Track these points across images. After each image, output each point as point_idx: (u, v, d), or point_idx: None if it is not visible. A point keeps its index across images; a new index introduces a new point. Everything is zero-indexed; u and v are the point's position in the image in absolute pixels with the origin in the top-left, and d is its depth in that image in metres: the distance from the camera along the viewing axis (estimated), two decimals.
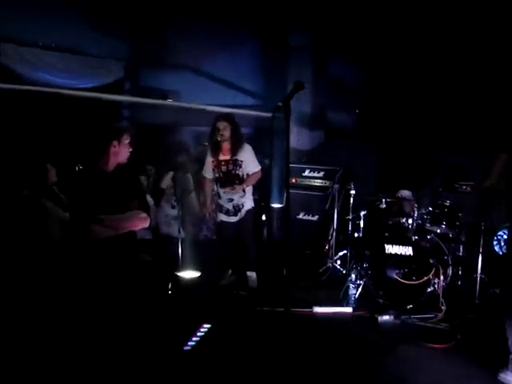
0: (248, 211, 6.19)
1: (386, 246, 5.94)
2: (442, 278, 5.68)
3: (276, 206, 7.54)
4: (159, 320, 4.92)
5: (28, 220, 5.49)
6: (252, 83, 9.49)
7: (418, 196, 6.39)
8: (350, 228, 6.73)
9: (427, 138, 8.18)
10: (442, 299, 5.59)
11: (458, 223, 6.18)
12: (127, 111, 9.43)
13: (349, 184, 6.85)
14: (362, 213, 6.55)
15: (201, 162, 6.65)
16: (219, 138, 5.97)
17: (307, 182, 7.63)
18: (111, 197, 4.58)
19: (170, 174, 7.55)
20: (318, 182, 7.57)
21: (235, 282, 6.33)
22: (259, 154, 6.37)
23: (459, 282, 6.12)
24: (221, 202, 6.20)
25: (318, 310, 5.64)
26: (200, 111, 8.30)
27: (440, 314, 5.48)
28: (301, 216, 7.54)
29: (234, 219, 6.18)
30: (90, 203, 4.37)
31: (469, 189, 6.60)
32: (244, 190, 6.11)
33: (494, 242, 6.65)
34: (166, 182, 7.57)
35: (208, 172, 6.25)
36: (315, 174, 7.58)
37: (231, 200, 6.13)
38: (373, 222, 6.56)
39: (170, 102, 8.99)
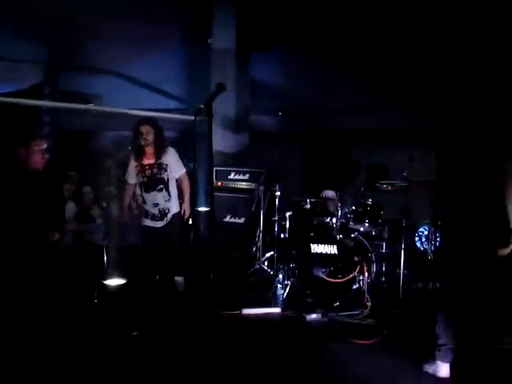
0: (174, 215, 6.13)
1: (311, 245, 6.03)
2: (366, 274, 5.81)
3: (202, 209, 7.50)
4: (87, 329, 4.82)
5: None
6: (175, 86, 9.43)
7: (342, 195, 6.53)
8: (276, 229, 6.79)
9: (349, 139, 8.39)
10: (367, 295, 5.72)
11: (380, 221, 6.35)
12: (48, 116, 9.17)
13: (274, 186, 6.92)
14: (288, 214, 6.65)
15: (124, 167, 6.55)
16: (142, 142, 5.90)
17: (233, 185, 7.64)
18: (29, 201, 4.45)
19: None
20: (243, 185, 7.59)
21: (163, 287, 6.25)
22: (184, 158, 6.33)
23: (383, 278, 6.29)
24: (146, 206, 6.11)
25: (246, 311, 5.65)
26: (122, 115, 8.16)
27: (366, 310, 5.61)
28: (227, 219, 7.54)
29: (160, 224, 6.10)
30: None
31: (390, 187, 6.78)
32: (170, 194, 6.05)
33: (416, 238, 6.87)
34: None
35: (131, 177, 6.15)
36: (240, 177, 7.60)
37: (157, 205, 6.05)
38: (298, 223, 6.65)
39: (91, 106, 8.80)
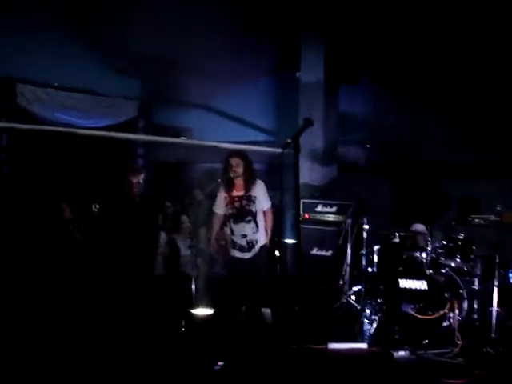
0: (262, 247, 6.18)
1: (400, 280, 5.89)
2: (457, 311, 5.62)
3: (289, 241, 7.52)
4: (173, 357, 4.92)
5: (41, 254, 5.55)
6: (264, 119, 9.59)
7: (432, 229, 6.38)
8: (363, 263, 6.69)
9: (439, 171, 8.20)
10: (457, 333, 5.52)
11: (472, 256, 6.14)
12: (142, 149, 9.54)
13: (362, 218, 6.84)
14: (376, 247, 6.53)
15: (213, 199, 6.70)
16: (232, 175, 6.01)
17: (320, 217, 7.63)
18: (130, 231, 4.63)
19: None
20: (331, 217, 7.57)
21: (249, 318, 6.29)
22: (272, 190, 6.39)
23: (475, 316, 6.04)
24: (234, 238, 6.19)
25: (332, 346, 5.58)
26: (212, 148, 8.37)
27: (456, 349, 5.40)
28: (314, 251, 7.53)
29: (247, 255, 6.16)
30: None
31: (482, 222, 6.55)
32: (257, 226, 6.11)
33: (510, 275, 6.58)
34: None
35: (219, 208, 6.27)
36: (328, 209, 7.59)
37: (245, 236, 6.12)
38: (387, 257, 6.53)
39: (183, 139, 9.09)
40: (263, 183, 6.20)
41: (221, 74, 8.82)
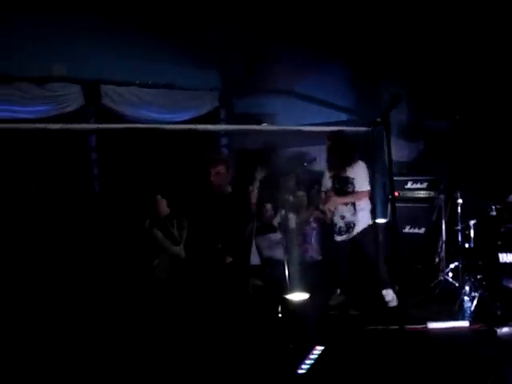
0: (362, 231, 6.09)
1: (500, 254, 5.71)
2: None
3: (381, 221, 7.40)
4: (272, 343, 4.96)
5: (139, 248, 5.70)
6: (344, 99, 9.44)
7: None
8: (459, 239, 6.48)
9: None
10: None
11: None
12: (225, 139, 9.64)
13: (455, 193, 6.63)
14: (472, 222, 6.31)
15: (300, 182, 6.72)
16: (327, 156, 6.10)
17: (411, 194, 7.48)
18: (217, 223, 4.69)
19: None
20: (422, 194, 7.41)
21: (344, 301, 6.25)
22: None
23: None
24: (335, 219, 6.17)
25: (432, 325, 5.47)
26: (296, 132, 8.34)
27: None
28: (407, 229, 7.39)
29: (344, 237, 6.12)
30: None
31: None
32: (355, 208, 6.03)
33: None
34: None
35: (324, 186, 6.36)
36: (418, 186, 7.43)
37: (343, 217, 6.09)
38: (484, 231, 6.31)
39: (264, 126, 9.09)
40: (364, 164, 6.08)
41: (300, 60, 8.76)
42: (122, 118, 8.38)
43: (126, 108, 8.56)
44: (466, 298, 6.00)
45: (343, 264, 6.18)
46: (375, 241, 6.18)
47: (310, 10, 7.84)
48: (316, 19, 8.07)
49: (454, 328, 5.46)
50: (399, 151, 7.94)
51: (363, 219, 6.07)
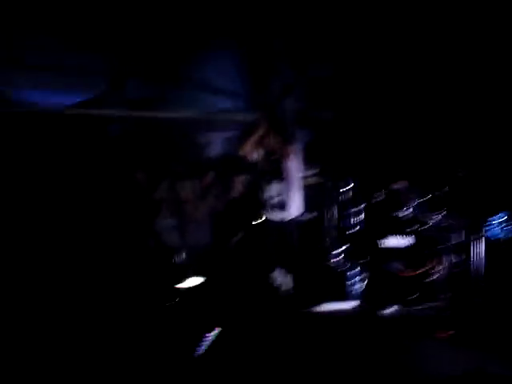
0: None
1: (385, 239, 5.96)
2: (442, 266, 5.71)
3: None
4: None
5: None
6: (238, 87, 9.45)
7: (415, 186, 6.42)
8: (349, 223, 6.71)
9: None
10: (443, 287, 5.61)
11: (456, 210, 6.21)
12: (116, 126, 9.37)
13: (345, 179, 6.85)
14: (361, 207, 6.56)
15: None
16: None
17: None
18: None
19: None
20: (312, 180, 7.54)
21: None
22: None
23: (460, 269, 6.13)
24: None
25: (321, 307, 5.63)
26: (190, 119, 8.27)
27: (442, 302, 5.50)
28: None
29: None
30: None
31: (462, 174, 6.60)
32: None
33: (490, 227, 6.66)
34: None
35: None
36: (309, 173, 7.56)
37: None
38: (372, 216, 6.56)
39: (157, 112, 8.93)
40: None
41: (192, 45, 8.67)
42: (11, 102, 7.94)
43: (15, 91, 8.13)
44: (354, 280, 6.24)
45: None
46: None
47: None
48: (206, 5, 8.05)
49: (342, 310, 5.66)
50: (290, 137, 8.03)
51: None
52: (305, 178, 7.55)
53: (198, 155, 7.90)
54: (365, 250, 6.13)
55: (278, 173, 6.10)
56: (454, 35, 7.46)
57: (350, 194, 6.81)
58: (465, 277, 6.09)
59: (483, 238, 5.99)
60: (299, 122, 8.09)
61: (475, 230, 5.95)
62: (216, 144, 8.17)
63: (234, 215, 7.12)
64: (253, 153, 6.12)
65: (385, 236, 5.94)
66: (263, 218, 6.36)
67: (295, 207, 6.15)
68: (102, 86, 9.13)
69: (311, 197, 7.45)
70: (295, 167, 6.18)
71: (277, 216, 6.18)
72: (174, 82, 9.29)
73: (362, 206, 6.59)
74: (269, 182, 6.08)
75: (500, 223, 6.60)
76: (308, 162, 7.61)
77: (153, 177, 7.39)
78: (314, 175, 7.53)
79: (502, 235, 6.52)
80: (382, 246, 5.93)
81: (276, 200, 6.14)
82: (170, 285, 5.75)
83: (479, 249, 5.91)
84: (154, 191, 7.43)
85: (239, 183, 7.46)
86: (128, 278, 5.44)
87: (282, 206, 6.15)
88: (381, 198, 6.52)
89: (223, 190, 7.49)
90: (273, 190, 6.10)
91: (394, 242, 5.89)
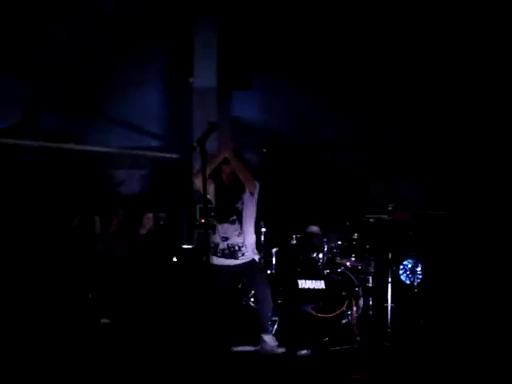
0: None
1: (299, 281, 6.04)
2: (354, 309, 5.85)
3: (186, 247, 7.49)
4: None
5: None
6: (156, 125, 9.45)
7: (327, 230, 6.58)
8: (262, 265, 6.76)
9: (334, 173, 8.45)
10: (356, 330, 5.74)
11: (366, 255, 6.43)
12: (28, 156, 9.09)
13: (258, 222, 6.93)
14: (274, 250, 6.64)
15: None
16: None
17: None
18: None
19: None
20: None
21: None
22: (167, 196, 6.32)
23: (371, 312, 6.31)
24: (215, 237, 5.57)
25: (236, 349, 5.60)
26: (104, 154, 8.17)
27: (355, 345, 5.62)
28: None
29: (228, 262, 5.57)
30: None
31: (374, 221, 6.85)
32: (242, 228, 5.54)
33: (400, 272, 6.93)
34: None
35: None
36: None
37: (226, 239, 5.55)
38: (284, 259, 6.65)
39: (71, 145, 8.75)
40: None
41: (111, 79, 8.63)
42: None
43: None
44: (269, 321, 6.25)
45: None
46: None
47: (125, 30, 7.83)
48: (131, 41, 8.08)
49: (256, 351, 5.63)
50: None
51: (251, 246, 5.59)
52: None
53: (112, 191, 7.79)
54: (279, 292, 6.17)
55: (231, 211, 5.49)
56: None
57: (264, 236, 6.88)
58: (375, 320, 6.27)
59: (392, 283, 6.20)
60: None
61: (386, 274, 6.16)
62: (132, 180, 8.09)
63: (142, 253, 7.04)
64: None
65: (299, 278, 6.02)
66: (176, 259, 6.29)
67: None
68: (19, 116, 8.91)
69: None
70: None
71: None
72: (91, 117, 9.19)
73: (276, 248, 6.67)
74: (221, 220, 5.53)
75: (408, 269, 6.89)
76: None
77: (65, 209, 7.19)
78: None
79: (409, 280, 6.81)
80: (297, 287, 6.00)
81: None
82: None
83: (389, 293, 6.11)
84: (66, 224, 7.25)
85: (151, 221, 7.39)
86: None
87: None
88: (294, 240, 6.64)
89: (134, 228, 7.39)
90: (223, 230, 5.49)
91: (309, 284, 5.99)
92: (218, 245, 5.46)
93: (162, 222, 7.81)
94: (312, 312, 5.90)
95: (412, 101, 8.26)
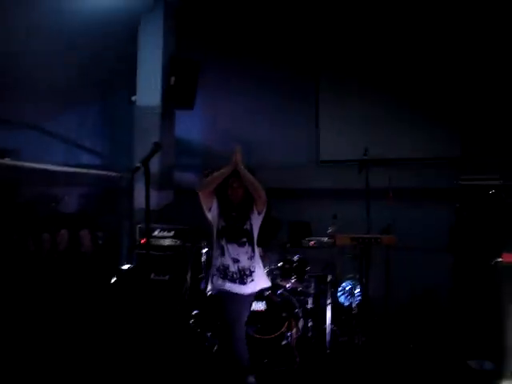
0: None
1: None
2: (294, 330, 5.89)
3: (125, 267, 7.39)
4: None
5: None
6: (98, 143, 9.36)
7: (267, 252, 6.62)
8: (202, 286, 6.75)
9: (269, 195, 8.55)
10: (295, 351, 5.78)
11: (306, 277, 6.51)
12: None
13: (200, 242, 6.93)
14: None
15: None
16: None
17: (157, 242, 7.56)
18: None
19: None
20: (168, 242, 7.53)
21: None
22: (106, 215, 6.25)
23: (310, 334, 6.37)
24: (223, 260, 5.00)
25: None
26: (42, 171, 7.99)
27: (295, 366, 5.66)
28: (152, 276, 7.43)
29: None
30: None
31: (312, 243, 6.93)
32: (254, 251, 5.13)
33: (339, 294, 7.04)
34: None
35: None
36: (165, 234, 7.55)
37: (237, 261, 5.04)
38: None
39: (7, 161, 8.52)
40: None
41: (53, 94, 8.48)
42: None
43: None
44: (207, 344, 6.23)
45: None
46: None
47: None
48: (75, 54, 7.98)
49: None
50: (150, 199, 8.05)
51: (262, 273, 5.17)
52: (161, 238, 7.53)
53: (52, 209, 7.62)
54: (216, 314, 6.15)
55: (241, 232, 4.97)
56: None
57: (204, 258, 6.89)
58: (314, 341, 6.32)
59: (332, 304, 6.29)
60: (159, 182, 8.16)
61: (325, 296, 6.25)
62: (71, 199, 7.94)
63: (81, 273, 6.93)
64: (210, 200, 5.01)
65: None
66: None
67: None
68: None
69: (167, 259, 7.44)
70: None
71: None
72: (29, 132, 8.98)
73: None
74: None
75: (347, 291, 7.00)
76: (166, 223, 7.64)
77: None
78: (170, 237, 7.54)
79: (348, 302, 6.92)
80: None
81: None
82: None
83: (328, 314, 6.19)
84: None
85: (90, 240, 7.30)
86: None
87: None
88: None
89: (75, 246, 7.27)
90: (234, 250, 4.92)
91: (257, 305, 5.99)
92: (228, 267, 4.89)
93: (100, 242, 7.73)
94: (252, 333, 5.89)
95: None
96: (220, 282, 4.91)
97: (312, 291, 6.58)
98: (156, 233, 7.56)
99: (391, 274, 6.68)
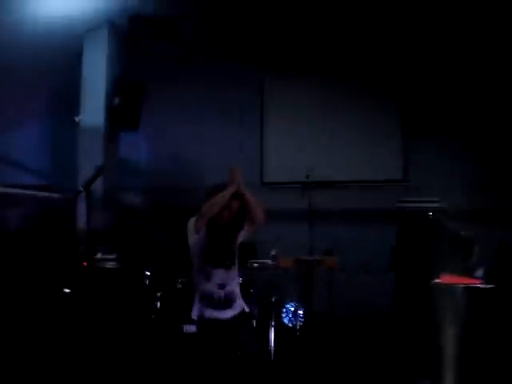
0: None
1: (184, 326, 5.98)
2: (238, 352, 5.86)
3: (67, 290, 7.24)
4: None
5: None
6: (38, 162, 9.16)
7: None
8: (146, 310, 6.67)
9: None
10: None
11: (250, 298, 6.51)
12: None
13: (143, 265, 6.87)
14: (159, 294, 6.58)
15: None
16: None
17: (100, 265, 7.43)
18: None
19: None
20: (110, 265, 7.41)
21: None
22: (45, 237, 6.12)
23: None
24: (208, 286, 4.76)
25: None
26: None
27: None
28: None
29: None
30: None
31: (256, 265, 6.96)
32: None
33: (283, 315, 7.08)
34: None
35: None
36: (107, 257, 7.43)
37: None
38: (170, 303, 6.61)
39: None
40: None
41: None
42: None
43: None
44: None
45: None
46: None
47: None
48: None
49: None
50: (92, 220, 7.93)
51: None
52: (102, 261, 7.41)
53: None
54: (164, 337, 6.11)
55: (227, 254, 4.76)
56: None
57: (147, 281, 6.83)
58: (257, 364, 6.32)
59: (275, 326, 6.31)
60: (107, 204, 8.06)
61: (269, 317, 6.27)
62: (11, 220, 7.76)
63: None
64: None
65: (184, 323, 5.98)
66: None
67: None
68: None
69: (109, 281, 7.33)
70: None
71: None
72: None
73: (161, 292, 6.62)
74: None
75: (290, 312, 7.05)
76: (107, 246, 7.53)
77: None
78: (113, 260, 7.43)
79: (292, 323, 6.96)
80: (183, 333, 5.95)
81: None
82: None
83: (271, 336, 6.21)
84: None
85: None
86: None
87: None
88: (180, 285, 6.61)
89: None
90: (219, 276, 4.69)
91: (193, 328, 5.94)
92: (212, 294, 4.63)
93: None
94: None
95: None
96: (206, 311, 4.69)
97: (256, 312, 6.59)
98: (99, 255, 7.44)
99: (334, 294, 6.76)
